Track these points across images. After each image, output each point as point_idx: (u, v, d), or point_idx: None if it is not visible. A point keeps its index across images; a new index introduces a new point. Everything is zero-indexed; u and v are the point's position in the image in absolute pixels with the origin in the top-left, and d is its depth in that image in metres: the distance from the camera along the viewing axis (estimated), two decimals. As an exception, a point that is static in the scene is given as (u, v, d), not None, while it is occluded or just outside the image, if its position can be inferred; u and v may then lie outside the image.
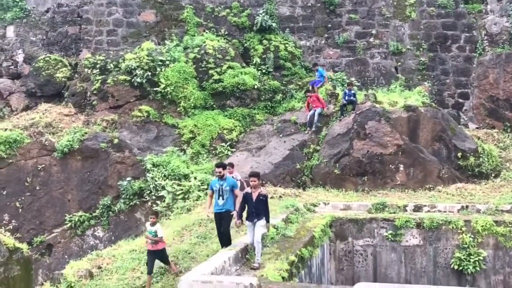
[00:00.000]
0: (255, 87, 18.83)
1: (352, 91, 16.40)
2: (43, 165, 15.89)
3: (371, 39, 20.28)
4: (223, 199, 9.01)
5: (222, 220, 9.03)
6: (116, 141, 16.47)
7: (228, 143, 17.36)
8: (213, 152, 17.23)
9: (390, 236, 11.70)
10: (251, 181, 8.82)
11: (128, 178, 15.63)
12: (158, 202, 14.88)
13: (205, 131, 17.53)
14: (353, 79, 19.18)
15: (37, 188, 15.73)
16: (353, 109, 16.09)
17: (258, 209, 8.58)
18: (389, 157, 14.79)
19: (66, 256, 14.33)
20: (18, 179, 15.73)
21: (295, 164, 15.61)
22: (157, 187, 15.21)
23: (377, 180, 14.79)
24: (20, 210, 15.46)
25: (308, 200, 13.64)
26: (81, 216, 15.27)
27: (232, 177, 10.67)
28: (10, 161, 15.88)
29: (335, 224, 12.03)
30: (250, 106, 18.80)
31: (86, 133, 16.69)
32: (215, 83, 18.70)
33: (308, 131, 16.61)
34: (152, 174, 15.59)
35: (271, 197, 13.96)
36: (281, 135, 16.96)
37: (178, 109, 18.36)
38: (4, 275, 7.45)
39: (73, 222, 15.18)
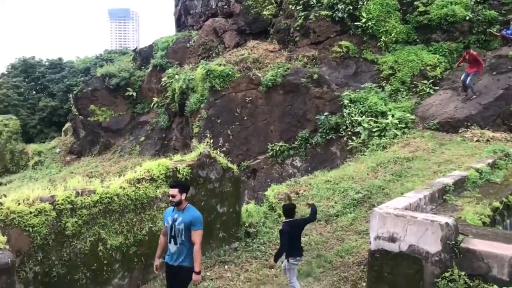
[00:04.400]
0: (467, 18, 16.96)
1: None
2: (250, 98, 17.38)
3: None
4: (175, 243, 5.70)
5: (174, 281, 5.78)
6: (315, 76, 16.94)
7: (431, 81, 16.30)
8: (414, 90, 16.43)
9: None
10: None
11: (326, 113, 16.07)
12: (354, 138, 15.06)
13: (406, 67, 16.72)
14: None
15: (245, 118, 17.38)
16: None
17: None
18: None
19: (268, 180, 15.79)
20: (229, 109, 17.59)
21: (509, 106, 13.89)
22: (353, 123, 15.34)
23: None
24: (231, 137, 17.38)
25: (522, 146, 12.15)
26: (281, 146, 16.46)
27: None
28: (224, 93, 17.79)
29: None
30: (458, 40, 17.12)
31: (288, 68, 17.56)
32: (420, 16, 17.48)
33: (466, 95, 14.76)
34: (349, 110, 15.72)
35: (477, 141, 12.85)
36: (494, 73, 15.14)
37: (378, 44, 17.82)
38: (219, 189, 8.64)
39: (274, 151, 16.48)
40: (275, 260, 6.60)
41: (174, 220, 5.72)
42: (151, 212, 7.48)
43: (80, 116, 24.43)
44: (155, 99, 23.13)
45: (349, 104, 15.87)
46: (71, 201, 6.43)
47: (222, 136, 17.13)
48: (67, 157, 23.85)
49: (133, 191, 7.22)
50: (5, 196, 6.31)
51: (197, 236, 5.61)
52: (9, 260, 4.94)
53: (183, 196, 5.73)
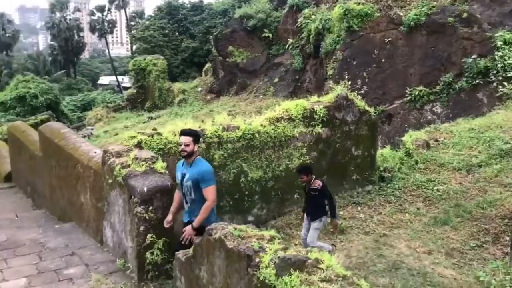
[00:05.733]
0: None
1: None
2: (389, 39, 16.55)
3: None
4: (186, 202, 5.22)
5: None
6: (464, 15, 15.42)
7: None
8: None
9: None
10: (300, 180, 6.44)
11: (474, 56, 14.69)
12: (505, 83, 13.64)
13: None
14: None
15: (383, 60, 16.69)
16: None
17: (311, 207, 6.45)
18: None
19: (405, 126, 15.22)
20: (366, 51, 17.00)
21: None
22: (506, 67, 13.83)
23: None
24: (366, 80, 16.90)
25: None
26: (421, 90, 15.57)
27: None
28: (361, 34, 17.18)
29: None
30: None
31: (433, 6, 16.21)
32: None
33: None
34: (502, 53, 14.16)
35: None
36: None
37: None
38: (354, 132, 8.63)
39: (413, 95, 15.68)
40: (335, 216, 6.33)
41: (183, 176, 5.14)
42: (288, 150, 7.79)
43: (219, 57, 25.61)
44: (290, 41, 23.20)
45: (503, 46, 14.27)
46: (218, 135, 6.98)
47: (357, 78, 16.73)
48: (208, 96, 25.43)
49: (272, 129, 7.57)
50: (155, 129, 7.06)
51: (209, 193, 4.99)
52: (169, 183, 5.62)
53: (195, 148, 5.11)
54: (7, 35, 74.08)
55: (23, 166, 11.50)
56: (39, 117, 26.60)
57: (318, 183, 6.17)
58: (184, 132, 5.16)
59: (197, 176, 4.98)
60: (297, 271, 3.26)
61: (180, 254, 4.78)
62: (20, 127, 12.21)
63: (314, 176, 6.24)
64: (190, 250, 4.53)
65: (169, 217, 5.29)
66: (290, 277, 3.22)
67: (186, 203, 5.19)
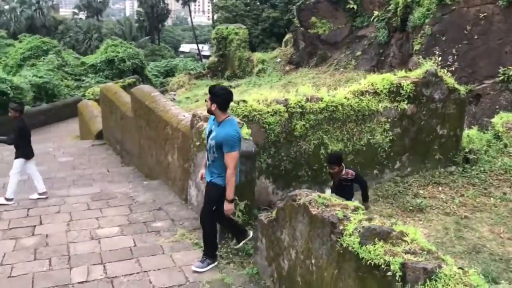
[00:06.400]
0: None
1: None
2: (485, 14, 15.50)
3: None
4: (207, 159, 5.07)
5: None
6: None
7: None
8: None
9: None
10: (332, 170, 5.88)
11: None
12: None
13: None
14: None
15: (475, 37, 15.70)
16: None
17: (343, 197, 5.90)
18: None
19: (494, 108, 14.37)
20: (458, 26, 16.06)
21: None
22: None
23: None
24: (455, 57, 16.04)
25: None
26: (515, 70, 14.56)
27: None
28: (454, 8, 16.22)
29: None
30: None
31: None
32: None
33: None
34: None
35: None
36: None
37: None
38: (441, 110, 8.33)
39: (506, 75, 14.70)
40: (367, 200, 6.05)
41: (210, 133, 4.99)
42: (371, 125, 7.72)
43: (301, 28, 25.34)
44: (376, 13, 22.40)
45: None
46: (301, 105, 7.06)
47: (446, 55, 15.91)
48: (287, 67, 25.39)
49: (356, 102, 7.51)
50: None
51: (229, 159, 4.78)
52: (253, 149, 5.83)
53: (213, 107, 4.82)
54: (98, 0, 77.85)
55: (113, 125, 12.31)
56: (127, 80, 28.08)
57: (350, 173, 5.80)
58: (208, 89, 4.97)
59: (221, 138, 4.80)
60: (381, 241, 3.33)
61: (262, 216, 5.01)
62: (112, 89, 13.01)
63: (343, 166, 5.85)
64: (273, 213, 4.72)
65: (203, 170, 5.34)
66: (374, 246, 3.29)
67: (208, 160, 5.04)
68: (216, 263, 5.25)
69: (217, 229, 5.27)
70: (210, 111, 4.90)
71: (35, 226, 6.49)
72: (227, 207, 4.95)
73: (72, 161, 11.88)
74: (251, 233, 5.45)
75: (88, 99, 21.71)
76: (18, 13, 66.06)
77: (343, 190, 5.72)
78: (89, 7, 76.95)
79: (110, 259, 5.29)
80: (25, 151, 7.59)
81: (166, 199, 7.51)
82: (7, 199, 7.44)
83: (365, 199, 5.97)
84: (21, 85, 23.63)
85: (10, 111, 7.50)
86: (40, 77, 28.23)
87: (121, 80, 28.03)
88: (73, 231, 6.29)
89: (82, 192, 8.04)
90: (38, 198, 7.63)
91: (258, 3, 49.34)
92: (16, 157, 7.57)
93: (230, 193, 4.89)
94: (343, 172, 5.78)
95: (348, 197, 5.68)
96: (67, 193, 8.05)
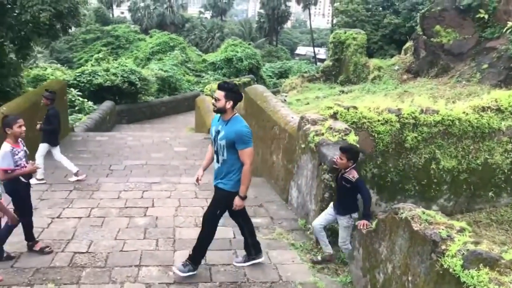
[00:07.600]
0: None
1: None
2: None
3: None
4: (217, 161, 4.76)
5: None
6: None
7: None
8: None
9: None
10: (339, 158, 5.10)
11: None
12: None
13: None
14: None
15: None
16: None
17: (340, 198, 5.19)
18: None
19: None
20: None
21: None
22: None
23: None
24: None
25: None
26: None
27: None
28: None
29: None
30: None
31: None
32: None
33: None
34: None
35: None
36: None
37: None
38: None
39: None
40: (368, 216, 4.87)
41: (217, 133, 4.72)
42: (490, 144, 7.20)
43: (423, 36, 24.17)
44: (510, 23, 20.62)
45: None
46: (415, 116, 6.81)
47: None
48: (404, 76, 24.38)
49: (475, 118, 7.06)
50: (338, 105, 7.00)
51: (245, 155, 4.59)
52: (363, 156, 5.75)
53: (229, 105, 4.59)
54: (224, 1, 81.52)
55: (226, 121, 12.83)
56: (242, 79, 29.07)
57: (353, 174, 4.95)
58: (218, 85, 4.69)
59: (233, 136, 4.58)
60: (487, 267, 3.12)
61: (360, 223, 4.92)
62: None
63: (353, 164, 5.04)
64: (373, 224, 4.62)
65: (200, 172, 5.11)
66: (478, 272, 3.09)
67: (217, 162, 4.77)
68: (195, 272, 4.96)
69: (214, 235, 5.01)
70: (221, 109, 4.63)
71: (147, 207, 7.07)
72: (239, 202, 4.74)
73: (186, 151, 12.63)
74: (263, 258, 5.31)
75: (206, 94, 22.88)
76: (151, 10, 71.62)
77: (341, 191, 5.13)
78: (214, 6, 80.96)
79: (210, 248, 5.56)
80: (50, 138, 8.22)
81: (267, 197, 7.70)
82: (76, 175, 8.30)
83: (366, 215, 4.86)
84: (148, 77, 25.61)
85: (43, 98, 8.22)
86: (165, 71, 30.38)
87: (237, 79, 29.09)
88: (180, 216, 6.73)
89: (192, 181, 8.55)
90: (77, 180, 8.28)
91: (381, 8, 48.08)
92: (42, 142, 8.25)
93: (244, 189, 4.70)
94: (348, 169, 5.02)
95: (347, 202, 5.09)
96: (178, 180, 8.63)
